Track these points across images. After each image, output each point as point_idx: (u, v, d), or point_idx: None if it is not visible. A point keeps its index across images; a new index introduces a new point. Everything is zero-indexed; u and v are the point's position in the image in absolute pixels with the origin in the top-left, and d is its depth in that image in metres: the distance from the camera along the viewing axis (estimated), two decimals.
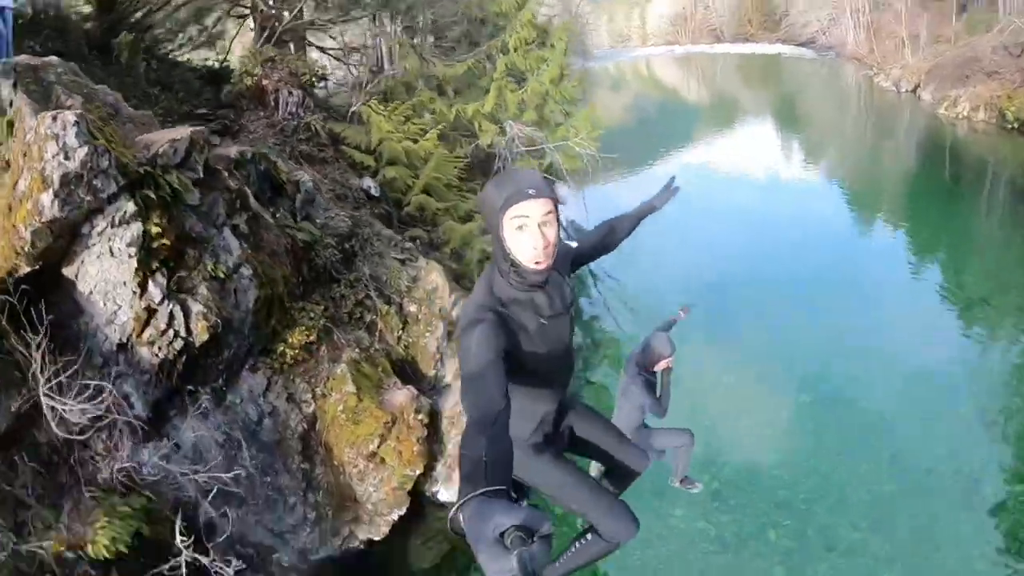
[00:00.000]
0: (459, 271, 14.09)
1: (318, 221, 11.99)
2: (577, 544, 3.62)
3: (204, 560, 8.46)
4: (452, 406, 11.80)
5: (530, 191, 2.52)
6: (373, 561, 11.02)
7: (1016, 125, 30.06)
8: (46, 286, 8.49)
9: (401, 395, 11.02)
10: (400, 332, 12.02)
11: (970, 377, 12.67)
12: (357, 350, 11.23)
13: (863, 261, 18.47)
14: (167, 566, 8.11)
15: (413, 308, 12.14)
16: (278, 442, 10.55)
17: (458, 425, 11.66)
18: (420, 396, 11.26)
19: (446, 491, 11.85)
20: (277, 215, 11.29)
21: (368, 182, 14.39)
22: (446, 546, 11.36)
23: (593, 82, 61.02)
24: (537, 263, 2.63)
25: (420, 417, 11.00)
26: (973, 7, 42.95)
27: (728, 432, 11.40)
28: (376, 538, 11.08)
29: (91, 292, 8.70)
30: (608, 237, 3.63)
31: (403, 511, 11.11)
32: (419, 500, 11.70)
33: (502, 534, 1.46)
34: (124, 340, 8.82)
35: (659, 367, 6.34)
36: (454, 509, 1.61)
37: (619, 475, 3.72)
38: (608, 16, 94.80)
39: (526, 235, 2.57)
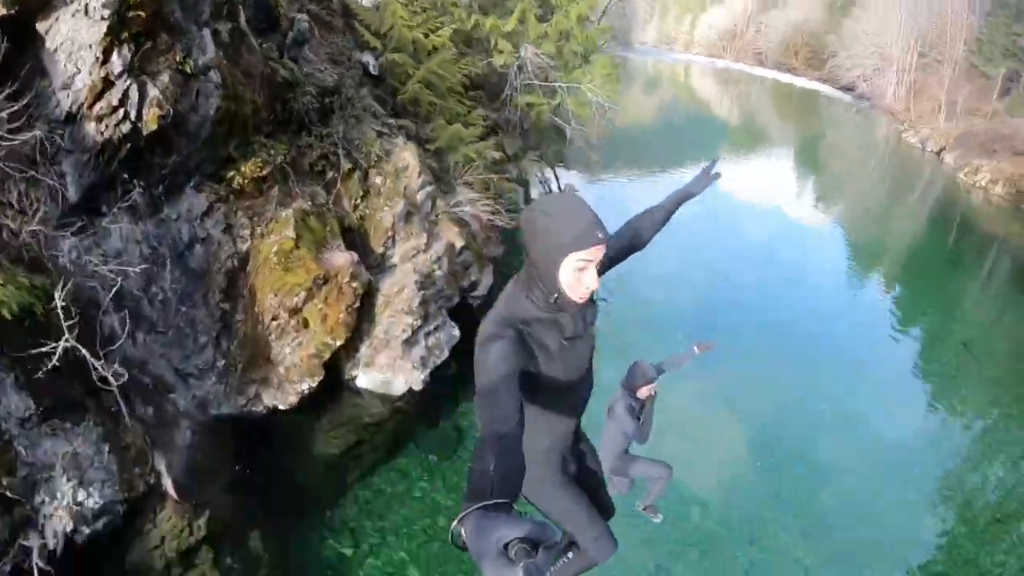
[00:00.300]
0: (437, 170, 13.83)
1: (305, 70, 11.69)
2: (562, 561, 3.84)
3: (90, 358, 8.09)
4: (390, 286, 11.57)
5: (599, 235, 2.54)
6: (274, 432, 10.72)
7: None
8: (17, 40, 8.19)
9: (341, 257, 10.76)
10: (359, 200, 11.74)
11: (930, 445, 12.64)
12: (309, 203, 10.95)
13: (850, 314, 18.38)
14: (46, 348, 7.75)
15: (378, 180, 11.86)
16: (204, 273, 10.28)
17: (392, 306, 11.43)
18: (361, 265, 10.99)
19: (365, 377, 11.63)
20: (264, 46, 10.98)
21: (369, 58, 14.07)
22: (353, 437, 11.12)
23: (630, 75, 60.92)
24: (582, 298, 2.66)
25: (355, 285, 10.73)
26: (1017, 91, 43.06)
27: (678, 442, 11.14)
28: (282, 407, 10.83)
29: (56, 49, 8.38)
30: (636, 238, 3.55)
31: (315, 384, 10.87)
32: (336, 382, 11.50)
33: (506, 546, 1.46)
34: (75, 110, 8.51)
35: (641, 394, 6.31)
36: (455, 522, 1.59)
37: None
38: (660, 14, 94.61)
39: (585, 276, 2.60)
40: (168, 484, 9.03)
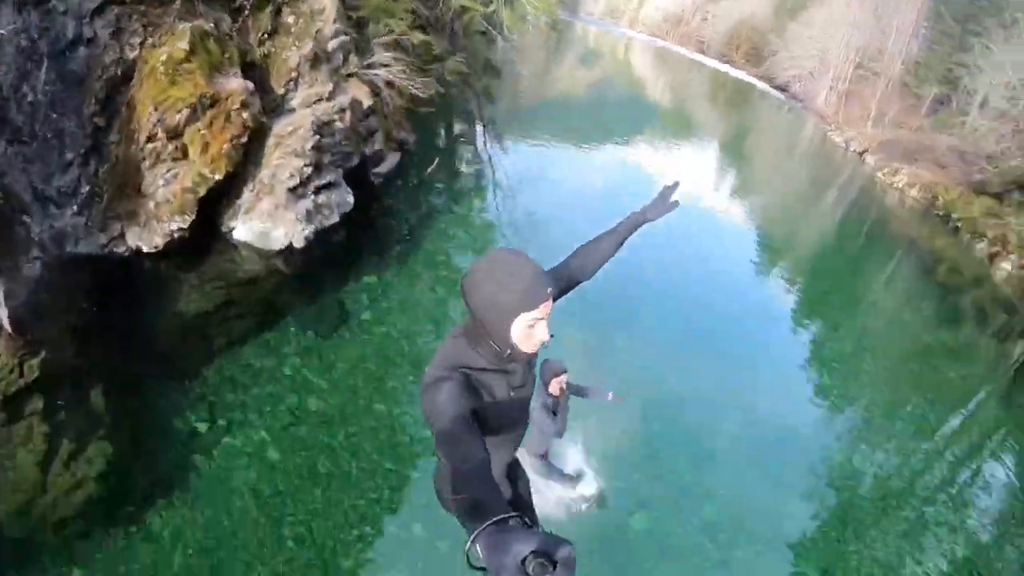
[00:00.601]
0: (359, 39, 13.18)
1: None
2: None
3: None
4: (284, 127, 10.88)
5: (547, 291, 2.55)
6: (136, 278, 9.95)
7: (942, 213, 31.94)
8: None
9: (236, 82, 9.98)
10: (265, 36, 10.98)
11: (819, 432, 12.53)
12: (212, 26, 10.15)
13: (752, 306, 18.13)
14: None
15: (290, 19, 11.12)
16: (83, 78, 9.44)
17: (283, 147, 10.74)
18: (256, 96, 10.26)
19: (243, 227, 10.92)
20: None
21: None
22: (222, 295, 10.35)
23: (570, 41, 60.68)
24: (534, 350, 2.68)
25: (245, 116, 9.99)
26: (944, 111, 44.52)
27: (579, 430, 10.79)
28: (147, 248, 10.06)
29: None
30: (582, 270, 3.37)
31: (186, 225, 10.12)
32: (210, 233, 10.80)
33: (523, 561, 1.48)
34: None
35: (553, 388, 6.55)
36: (469, 542, 1.62)
37: None
38: None
39: (537, 330, 2.60)
40: (3, 315, 8.21)
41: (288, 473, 8.01)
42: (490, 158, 20.07)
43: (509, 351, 2.62)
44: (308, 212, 11.02)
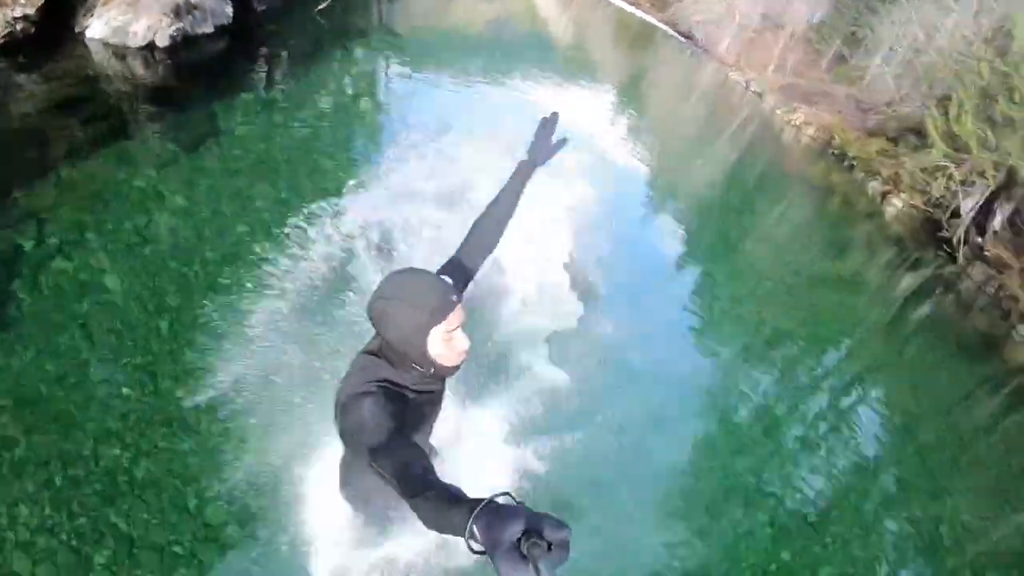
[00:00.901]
0: None
1: None
2: None
3: None
4: None
5: (453, 299, 2.53)
6: None
7: (838, 152, 33.12)
8: None
9: None
10: None
11: (696, 375, 12.17)
12: None
13: (634, 253, 17.66)
14: None
15: None
16: None
17: None
18: None
19: (99, 22, 9.78)
20: None
21: None
22: (68, 93, 9.05)
23: None
24: (458, 361, 2.66)
25: None
26: (844, 66, 46.24)
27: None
28: None
29: None
30: (489, 238, 3.20)
31: (33, 10, 8.91)
32: (61, 33, 9.57)
33: (518, 540, 1.47)
34: None
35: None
36: (468, 523, 1.56)
37: None
38: None
39: (455, 341, 2.59)
40: None
41: (129, 305, 6.71)
42: (385, 53, 19.06)
43: (432, 368, 2.59)
44: (177, 8, 9.84)
